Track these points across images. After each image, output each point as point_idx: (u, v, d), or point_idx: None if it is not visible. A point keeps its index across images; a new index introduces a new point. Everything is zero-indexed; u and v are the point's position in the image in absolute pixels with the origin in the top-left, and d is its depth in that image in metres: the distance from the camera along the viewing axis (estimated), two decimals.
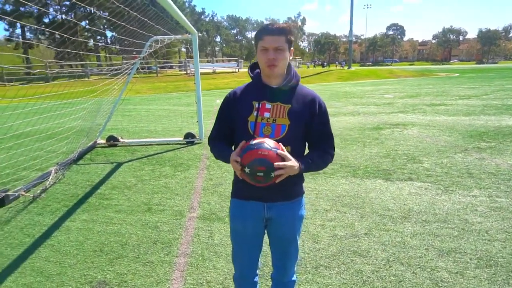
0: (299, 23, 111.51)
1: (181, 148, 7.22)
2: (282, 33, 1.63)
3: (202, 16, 65.44)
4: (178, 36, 7.05)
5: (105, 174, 5.51)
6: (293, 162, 1.60)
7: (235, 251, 1.97)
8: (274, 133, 1.70)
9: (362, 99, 15.75)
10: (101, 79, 7.77)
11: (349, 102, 14.57)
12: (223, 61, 46.26)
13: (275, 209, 1.79)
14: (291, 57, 1.75)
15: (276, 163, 1.53)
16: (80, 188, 4.91)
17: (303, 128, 1.74)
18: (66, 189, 4.89)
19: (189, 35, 7.09)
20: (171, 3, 4.38)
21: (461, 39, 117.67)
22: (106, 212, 4.07)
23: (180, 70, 37.19)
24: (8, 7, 33.09)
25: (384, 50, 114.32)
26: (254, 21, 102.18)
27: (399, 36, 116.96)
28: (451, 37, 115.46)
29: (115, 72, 7.01)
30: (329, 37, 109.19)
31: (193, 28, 6.65)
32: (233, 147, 1.86)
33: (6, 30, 39.48)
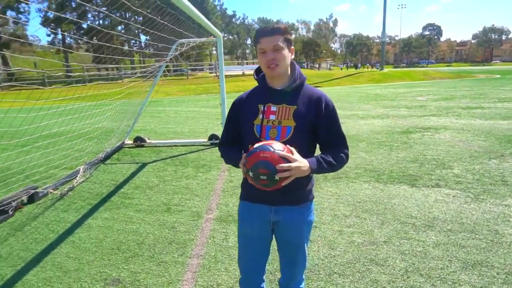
0: (331, 25, 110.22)
1: (204, 149, 7.29)
2: (277, 32, 1.63)
3: (233, 19, 66.17)
4: (203, 39, 7.13)
5: (129, 174, 5.66)
6: (299, 163, 1.53)
7: (241, 254, 1.95)
8: (280, 135, 1.67)
9: (393, 101, 15.28)
10: (133, 81, 8.00)
11: (378, 105, 14.17)
12: (253, 63, 46.54)
13: (282, 213, 1.76)
14: (292, 56, 1.74)
15: (278, 165, 1.47)
16: (105, 187, 5.07)
17: (310, 130, 1.70)
18: (92, 187, 5.06)
19: (214, 38, 7.15)
20: (194, 9, 4.42)
21: (503, 38, 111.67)
22: (127, 211, 4.17)
23: (210, 73, 37.75)
24: (50, 14, 35.03)
25: (420, 51, 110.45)
26: (285, 23, 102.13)
27: (435, 37, 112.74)
28: (493, 36, 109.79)
29: (141, 75, 7.21)
30: (361, 38, 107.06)
31: (217, 31, 6.71)
32: (242, 152, 1.83)
33: (48, 35, 41.75)
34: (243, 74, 33.94)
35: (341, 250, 3.11)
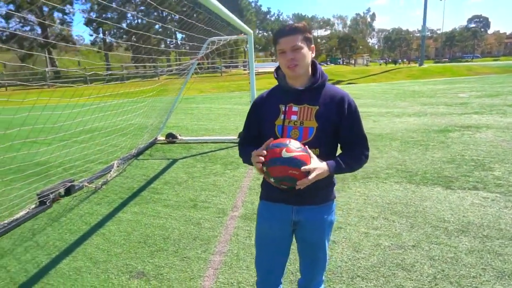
0: (368, 19, 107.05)
1: (234, 146, 7.34)
2: (296, 32, 1.60)
3: (268, 16, 66.00)
4: (234, 37, 7.17)
5: (160, 170, 5.81)
6: (318, 170, 1.54)
7: (258, 255, 1.94)
8: (302, 136, 1.66)
9: (432, 98, 14.60)
10: (167, 78, 8.21)
11: (416, 102, 13.60)
12: None
13: (304, 213, 1.74)
14: (313, 55, 1.71)
15: (299, 182, 1.50)
16: (136, 182, 5.24)
17: (332, 130, 1.68)
18: (124, 182, 5.26)
19: (245, 36, 7.17)
20: (222, 7, 4.45)
21: None
22: (155, 206, 4.28)
23: (244, 70, 37.92)
24: (93, 14, 36.70)
25: (464, 44, 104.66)
26: (321, 19, 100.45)
27: (482, 29, 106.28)
28: None
29: (176, 72, 7.38)
30: (400, 32, 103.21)
31: (248, 28, 6.71)
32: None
33: (90, 35, 43.76)
34: None
35: (366, 253, 3.02)
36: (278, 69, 1.83)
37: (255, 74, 7.46)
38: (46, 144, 6.58)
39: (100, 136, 7.41)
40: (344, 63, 65.89)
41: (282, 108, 1.71)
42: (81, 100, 4.96)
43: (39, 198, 4.20)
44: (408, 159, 5.72)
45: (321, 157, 1.63)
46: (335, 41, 79.16)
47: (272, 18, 67.45)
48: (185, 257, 3.09)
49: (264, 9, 65.44)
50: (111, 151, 6.55)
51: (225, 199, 4.41)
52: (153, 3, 4.52)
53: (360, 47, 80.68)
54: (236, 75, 34.21)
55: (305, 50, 1.63)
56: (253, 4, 57.60)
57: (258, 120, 1.81)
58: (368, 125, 8.51)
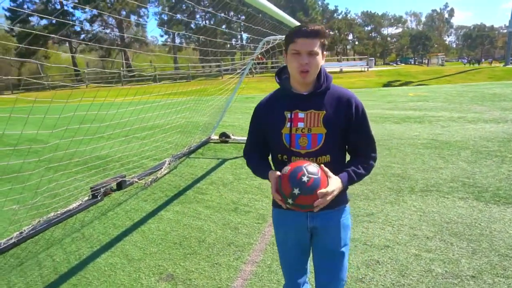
0: (446, 15, 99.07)
1: None
2: (317, 35, 1.51)
3: (335, 14, 64.36)
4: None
5: (208, 169, 5.85)
6: (336, 191, 1.51)
7: (281, 261, 1.89)
8: (311, 144, 1.59)
9: None
10: (231, 78, 8.31)
11: (495, 107, 12.15)
12: (354, 59, 44.75)
13: (319, 218, 1.69)
14: (323, 62, 1.60)
15: (316, 203, 1.45)
16: (184, 180, 5.32)
17: (341, 135, 1.62)
18: (172, 180, 5.37)
19: None
20: (272, 7, 4.31)
21: None
22: (197, 206, 4.29)
23: None
24: (164, 16, 38.94)
25: None
26: (392, 16, 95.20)
27: None
28: None
29: (239, 71, 7.45)
30: (483, 29, 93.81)
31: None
32: (270, 159, 1.81)
33: (161, 36, 46.45)
34: (341, 71, 32.80)
35: (414, 279, 2.66)
36: (280, 72, 1.74)
37: None
38: (110, 139, 7.02)
39: (159, 132, 7.72)
40: (416, 63, 61.69)
41: (288, 115, 1.62)
42: (150, 97, 5.20)
43: (91, 191, 4.44)
44: (479, 172, 5.05)
45: (332, 163, 1.59)
46: (407, 39, 74.64)
47: (340, 17, 65.59)
48: (216, 263, 3.00)
49: (331, 7, 63.96)
50: (166, 148, 6.76)
51: (267, 204, 4.26)
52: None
53: (435, 45, 75.06)
54: None
55: (320, 56, 1.55)
56: (319, 3, 56.55)
57: (262, 128, 1.73)
58: (434, 131, 7.76)
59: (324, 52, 1.59)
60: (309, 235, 1.75)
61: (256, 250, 3.21)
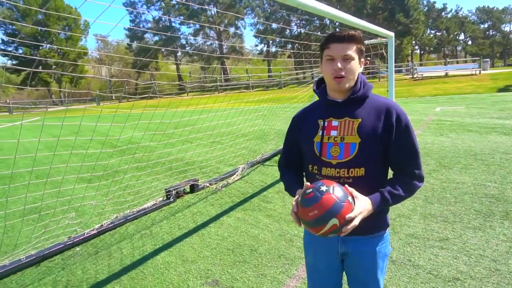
0: None
1: None
2: (352, 40, 1.46)
3: (443, 13, 58.43)
4: (373, 41, 6.61)
5: (278, 178, 5.83)
6: (363, 214, 1.38)
7: (310, 284, 1.79)
8: (343, 154, 1.50)
9: None
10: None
11: None
12: (465, 61, 40.20)
13: (352, 244, 1.58)
14: (361, 69, 1.52)
15: (344, 230, 1.34)
16: (252, 187, 5.41)
17: (378, 146, 1.49)
18: (242, 186, 5.51)
19: (385, 39, 6.52)
20: (361, 22, 4.16)
21: None
22: (259, 214, 4.31)
23: (405, 74, 34.83)
24: (260, 26, 40.46)
25: None
26: None
27: None
28: None
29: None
30: None
31: (387, 32, 6.09)
32: (304, 176, 1.72)
33: (256, 46, 48.35)
34: (446, 75, 29.67)
35: None
36: (320, 81, 1.66)
37: (420, 79, 6.69)
38: (194, 143, 7.56)
39: (239, 138, 8.03)
40: None
41: (321, 123, 1.56)
42: (241, 104, 5.53)
43: (166, 192, 4.82)
44: None
45: (368, 178, 1.48)
46: None
47: (449, 15, 59.34)
48: (262, 274, 2.98)
49: (438, 5, 58.14)
50: (244, 153, 6.98)
51: None
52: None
53: None
54: (396, 80, 31.67)
55: (356, 62, 1.48)
56: (424, 2, 52.07)
57: (296, 140, 1.67)
58: None
59: (362, 59, 1.53)
60: (340, 261, 1.65)
61: (304, 265, 3.08)
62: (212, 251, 3.43)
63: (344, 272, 1.70)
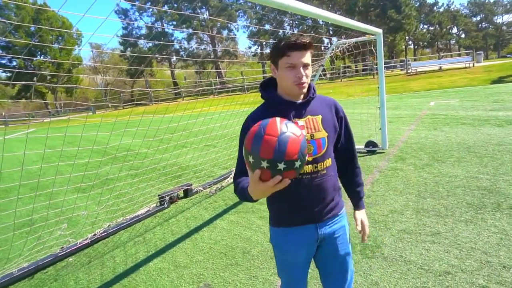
0: None
1: (360, 157, 6.75)
2: (309, 47, 1.53)
3: (435, 8, 58.66)
4: (360, 39, 6.62)
5: None
6: (367, 221, 1.82)
7: (288, 282, 1.80)
8: (316, 150, 1.58)
9: None
10: (321, 83, 8.33)
11: None
12: (459, 55, 40.38)
13: (327, 227, 1.69)
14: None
15: (365, 239, 1.81)
16: None
17: (335, 136, 1.69)
18: None
19: (373, 36, 6.53)
20: (347, 20, 4.14)
21: None
22: (252, 216, 4.30)
23: (401, 70, 34.93)
24: (254, 28, 40.55)
25: None
26: (508, 1, 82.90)
27: None
28: None
29: (330, 76, 7.40)
30: None
31: (374, 29, 6.10)
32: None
33: (249, 48, 48.45)
34: (440, 69, 29.75)
35: None
36: (266, 84, 1.69)
37: (415, 74, 6.70)
38: (188, 147, 7.54)
39: (232, 140, 8.02)
40: None
41: None
42: (236, 106, 5.50)
43: (159, 199, 4.81)
44: None
45: (333, 165, 1.67)
46: None
47: (441, 10, 59.54)
48: (253, 276, 2.97)
49: (430, 0, 58.23)
50: (234, 156, 6.97)
51: None
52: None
53: None
54: (390, 76, 31.75)
55: (311, 66, 1.59)
56: None
57: None
58: None
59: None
60: (316, 249, 1.73)
61: None
62: (204, 255, 3.42)
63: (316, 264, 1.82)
